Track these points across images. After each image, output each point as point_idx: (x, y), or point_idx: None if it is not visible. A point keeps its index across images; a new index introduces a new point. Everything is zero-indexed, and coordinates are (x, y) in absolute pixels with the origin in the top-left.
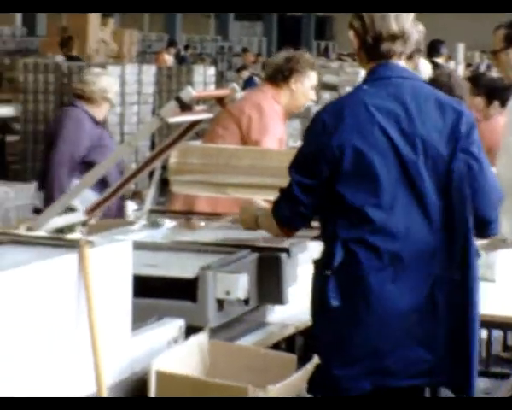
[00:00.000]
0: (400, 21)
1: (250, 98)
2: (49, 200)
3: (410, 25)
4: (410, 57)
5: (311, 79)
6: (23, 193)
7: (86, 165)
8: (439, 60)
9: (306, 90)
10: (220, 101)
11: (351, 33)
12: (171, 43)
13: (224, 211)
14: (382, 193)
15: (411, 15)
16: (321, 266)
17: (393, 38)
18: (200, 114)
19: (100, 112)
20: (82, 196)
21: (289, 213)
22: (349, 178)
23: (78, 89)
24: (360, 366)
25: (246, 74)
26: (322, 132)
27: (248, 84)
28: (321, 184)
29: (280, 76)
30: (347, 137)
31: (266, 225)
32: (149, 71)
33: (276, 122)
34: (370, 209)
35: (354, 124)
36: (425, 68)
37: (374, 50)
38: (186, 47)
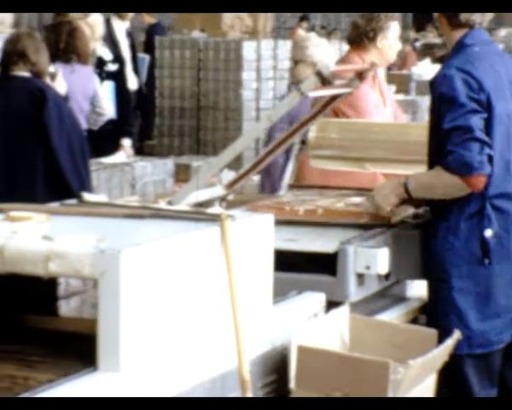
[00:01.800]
0: None
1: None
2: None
3: None
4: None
5: (394, 31)
6: (160, 168)
7: None
8: None
9: (392, 44)
10: (359, 75)
11: None
12: (304, 18)
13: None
14: None
15: None
16: (466, 226)
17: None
18: (339, 89)
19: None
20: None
21: (479, 157)
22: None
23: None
24: (504, 318)
25: None
26: (469, 89)
27: None
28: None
29: (365, 39)
30: (489, 93)
31: (435, 184)
32: (285, 46)
33: (366, 89)
34: None
35: (491, 81)
36: None
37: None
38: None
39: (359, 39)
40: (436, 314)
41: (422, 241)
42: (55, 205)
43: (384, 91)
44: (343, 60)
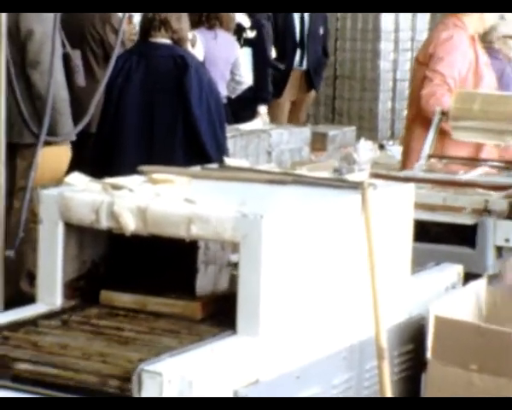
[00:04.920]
0: None
1: (432, 37)
2: None
3: None
4: None
5: None
6: (297, 136)
7: None
8: None
9: None
10: None
11: None
12: None
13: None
14: None
15: None
16: None
17: None
18: None
19: None
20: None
21: None
22: None
23: None
24: None
25: None
26: None
27: None
28: None
29: None
30: None
31: None
32: (423, 18)
33: (458, 49)
34: None
35: None
36: None
37: None
38: None
39: None
40: None
41: None
42: (196, 169)
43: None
44: (443, 22)
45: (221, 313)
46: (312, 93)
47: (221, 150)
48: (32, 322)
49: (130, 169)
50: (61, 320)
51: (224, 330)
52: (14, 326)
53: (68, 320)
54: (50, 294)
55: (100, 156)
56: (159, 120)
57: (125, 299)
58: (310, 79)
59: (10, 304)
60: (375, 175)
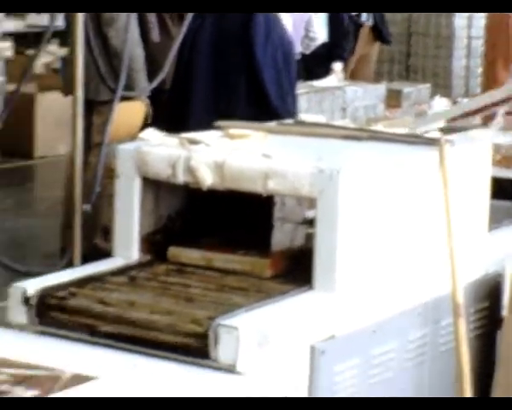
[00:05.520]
0: None
1: None
2: None
3: None
4: None
5: None
6: (371, 93)
7: None
8: None
9: None
10: None
11: None
12: None
13: None
14: None
15: None
16: None
17: None
18: None
19: None
20: None
21: None
22: None
23: None
24: None
25: None
26: None
27: None
28: None
29: None
30: None
31: None
32: None
33: None
34: None
35: None
36: None
37: None
38: None
39: None
40: None
41: None
42: (272, 124)
43: None
44: None
45: (293, 271)
46: (377, 47)
47: (286, 102)
48: (99, 278)
49: (200, 124)
50: (129, 277)
51: (299, 286)
52: (82, 282)
53: (136, 277)
54: (127, 248)
55: (173, 112)
56: (223, 69)
57: (193, 255)
58: (378, 34)
59: (85, 259)
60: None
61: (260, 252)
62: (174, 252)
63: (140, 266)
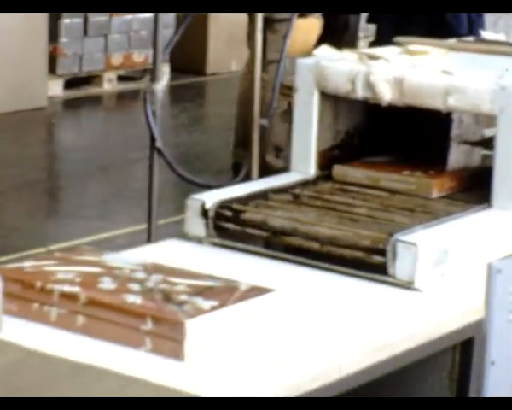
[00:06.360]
0: None
1: None
2: None
3: None
4: None
5: None
6: None
7: None
8: None
9: None
10: None
11: None
12: None
13: None
14: None
15: None
16: None
17: None
18: None
19: None
20: None
21: None
22: None
23: None
24: None
25: None
26: None
27: None
28: None
29: None
30: None
31: None
32: None
33: None
34: None
35: None
36: None
37: None
38: None
39: None
40: None
41: None
42: (452, 41)
43: None
44: None
45: (464, 192)
46: None
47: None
48: (263, 195)
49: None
50: (293, 195)
51: (477, 204)
52: (245, 199)
53: (300, 195)
54: (304, 163)
55: None
56: None
57: (358, 175)
58: None
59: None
60: None
61: (429, 172)
62: (339, 171)
63: (303, 184)
